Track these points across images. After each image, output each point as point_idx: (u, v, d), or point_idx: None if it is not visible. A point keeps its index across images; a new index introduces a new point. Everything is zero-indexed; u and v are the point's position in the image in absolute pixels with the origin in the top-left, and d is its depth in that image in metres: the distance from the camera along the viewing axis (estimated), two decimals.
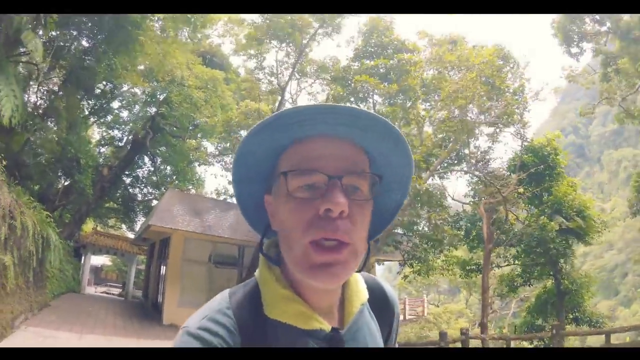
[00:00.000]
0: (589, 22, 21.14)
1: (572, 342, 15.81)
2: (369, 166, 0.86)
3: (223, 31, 22.95)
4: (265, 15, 17.90)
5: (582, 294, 16.76)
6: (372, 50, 18.56)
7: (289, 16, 17.64)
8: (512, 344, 12.39)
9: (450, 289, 52.21)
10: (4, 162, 9.80)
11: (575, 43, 21.53)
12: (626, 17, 20.25)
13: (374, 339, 0.95)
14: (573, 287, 16.48)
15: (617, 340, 13.43)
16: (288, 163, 0.83)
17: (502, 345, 12.29)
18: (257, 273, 0.92)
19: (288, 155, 0.84)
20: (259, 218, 0.96)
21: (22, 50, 11.96)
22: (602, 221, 18.47)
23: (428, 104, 18.04)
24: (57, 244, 12.47)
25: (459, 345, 11.78)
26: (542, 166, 17.40)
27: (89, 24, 14.69)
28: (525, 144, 17.91)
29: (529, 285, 19.05)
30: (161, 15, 15.94)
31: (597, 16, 20.60)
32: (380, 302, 1.04)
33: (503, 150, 35.44)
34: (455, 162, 17.98)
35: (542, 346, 13.82)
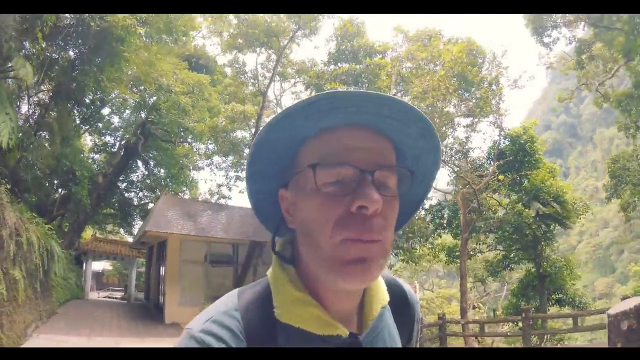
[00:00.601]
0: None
1: (552, 324, 16.51)
2: (396, 159, 0.81)
3: (207, 32, 23.39)
4: (241, 21, 18.44)
5: (564, 276, 17.41)
6: (345, 54, 19.18)
7: (264, 22, 18.22)
8: (486, 327, 12.93)
9: (450, 274, 52.91)
10: (8, 186, 10.36)
11: (547, 33, 21.98)
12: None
13: (394, 344, 0.91)
14: (552, 270, 17.18)
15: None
16: (313, 155, 0.76)
17: (476, 328, 12.83)
18: (269, 272, 0.87)
19: (312, 147, 0.77)
20: (272, 214, 0.91)
21: (10, 65, 12.12)
22: (584, 204, 19.12)
23: (408, 97, 18.73)
24: (61, 255, 13.17)
25: (436, 329, 12.38)
26: (519, 154, 18.15)
27: (74, 34, 15.02)
28: (503, 132, 18.61)
29: (510, 270, 19.83)
30: (143, 22, 16.15)
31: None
32: (400, 305, 0.98)
33: (482, 140, 35.67)
34: None
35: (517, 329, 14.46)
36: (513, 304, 18.30)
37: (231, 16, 18.70)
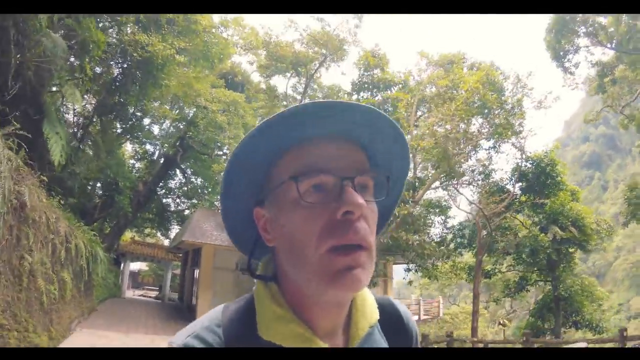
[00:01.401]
0: (582, 34, 21.56)
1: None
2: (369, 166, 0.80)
3: (242, 50, 24.56)
4: (270, 54, 19.60)
5: (581, 299, 17.40)
6: (367, 84, 20.05)
7: (292, 53, 19.34)
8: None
9: (484, 286, 52.25)
10: (62, 201, 11.71)
11: (568, 58, 22.19)
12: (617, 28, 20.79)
13: None
14: (566, 294, 17.24)
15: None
16: (291, 167, 0.75)
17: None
18: (254, 288, 0.85)
19: (289, 160, 0.77)
20: (246, 236, 0.88)
21: (57, 85, 12.82)
22: (608, 226, 18.93)
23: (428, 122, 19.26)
24: (103, 258, 14.52)
25: (443, 346, 12.68)
26: (540, 177, 18.42)
27: (118, 54, 16.04)
28: (524, 155, 18.91)
29: (526, 291, 19.92)
30: (182, 49, 16.92)
31: (590, 28, 21.24)
32: (394, 325, 0.94)
33: (506, 161, 35.13)
34: (447, 179, 18.62)
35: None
36: (530, 324, 18.51)
37: (260, 48, 19.88)
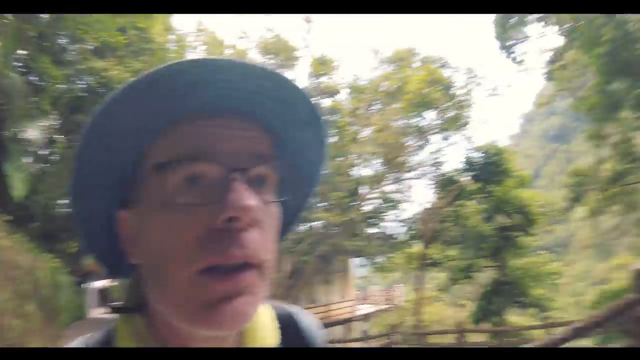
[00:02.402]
0: (532, 20, 20.67)
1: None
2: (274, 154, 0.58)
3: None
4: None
5: (526, 282, 18.24)
6: (315, 92, 20.28)
7: None
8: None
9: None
10: (25, 231, 11.81)
11: (512, 50, 21.94)
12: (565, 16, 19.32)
13: None
14: (507, 279, 18.19)
15: None
16: (163, 154, 0.51)
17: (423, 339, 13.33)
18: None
19: (162, 144, 0.52)
20: (106, 247, 0.62)
21: None
22: (556, 210, 19.93)
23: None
24: (67, 283, 14.60)
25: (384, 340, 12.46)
26: (489, 166, 19.18)
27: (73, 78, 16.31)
28: (472, 147, 19.86)
29: (470, 278, 20.41)
30: (139, 71, 17.44)
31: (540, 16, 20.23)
32: (295, 342, 0.70)
33: (457, 152, 36.28)
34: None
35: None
36: (480, 306, 19.11)
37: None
